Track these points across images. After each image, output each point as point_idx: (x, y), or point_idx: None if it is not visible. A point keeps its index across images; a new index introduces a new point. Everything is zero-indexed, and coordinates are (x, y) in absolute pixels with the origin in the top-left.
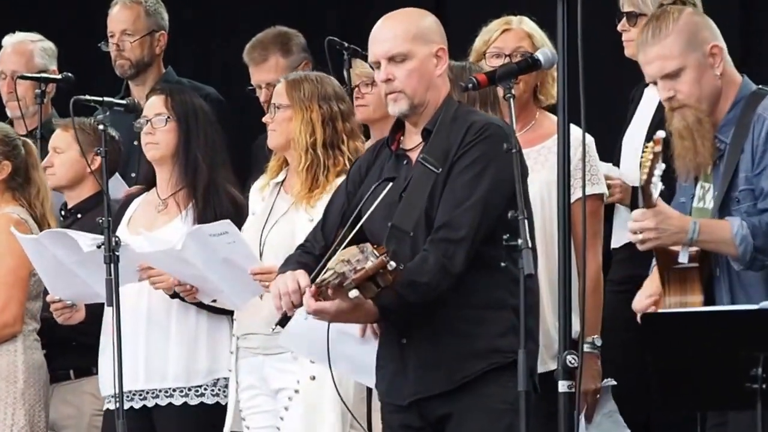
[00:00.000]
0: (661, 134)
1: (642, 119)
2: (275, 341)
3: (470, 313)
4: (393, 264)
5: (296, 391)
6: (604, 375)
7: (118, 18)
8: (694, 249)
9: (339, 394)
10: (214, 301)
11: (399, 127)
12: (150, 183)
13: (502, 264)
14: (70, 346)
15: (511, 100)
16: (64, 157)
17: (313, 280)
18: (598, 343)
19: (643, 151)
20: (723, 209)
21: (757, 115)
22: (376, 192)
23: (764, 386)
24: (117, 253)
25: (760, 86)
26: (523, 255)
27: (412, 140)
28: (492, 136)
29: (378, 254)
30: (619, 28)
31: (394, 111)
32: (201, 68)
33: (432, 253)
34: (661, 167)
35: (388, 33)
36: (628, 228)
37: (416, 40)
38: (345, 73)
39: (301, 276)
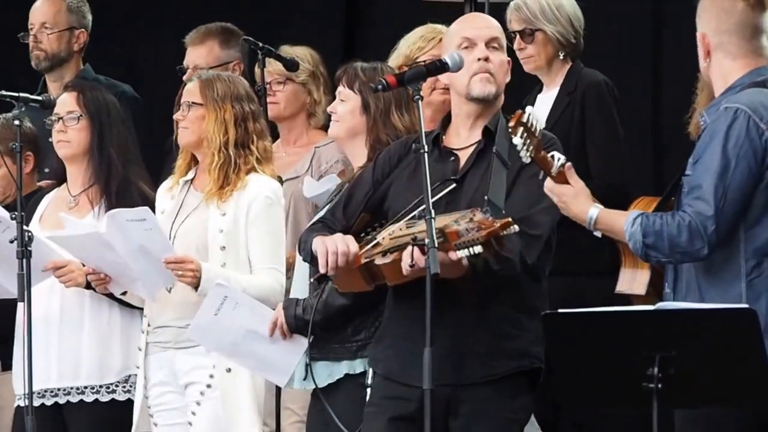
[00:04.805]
0: (528, 109)
1: None
2: (186, 335)
3: (510, 315)
4: (516, 227)
5: (209, 386)
6: None
7: (39, 10)
8: None
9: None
10: (124, 293)
11: (444, 125)
12: (61, 179)
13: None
14: None
15: (419, 101)
16: None
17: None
18: None
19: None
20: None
21: (718, 102)
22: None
23: (659, 386)
24: (30, 248)
25: None
26: (430, 254)
27: (460, 139)
28: (557, 144)
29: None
30: (515, 46)
31: (483, 91)
32: (124, 68)
33: (513, 237)
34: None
35: (490, 22)
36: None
37: (503, 40)
38: (258, 71)
39: (351, 241)
